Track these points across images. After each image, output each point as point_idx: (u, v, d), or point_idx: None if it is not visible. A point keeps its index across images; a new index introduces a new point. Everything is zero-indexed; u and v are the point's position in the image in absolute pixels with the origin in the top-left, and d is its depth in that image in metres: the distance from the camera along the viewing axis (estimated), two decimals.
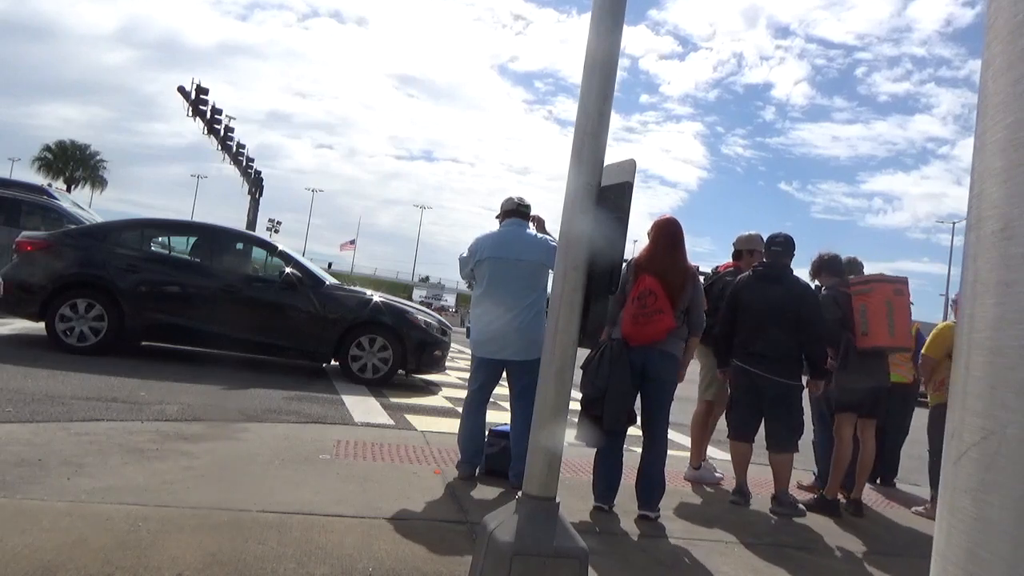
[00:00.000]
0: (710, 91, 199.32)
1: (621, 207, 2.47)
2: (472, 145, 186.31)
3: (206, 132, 31.57)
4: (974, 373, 0.76)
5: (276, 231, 51.38)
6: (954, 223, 50.44)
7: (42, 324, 7.32)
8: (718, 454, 5.82)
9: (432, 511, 3.59)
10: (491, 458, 4.42)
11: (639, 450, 4.15)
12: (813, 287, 4.92)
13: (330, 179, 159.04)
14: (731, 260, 5.46)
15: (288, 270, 8.01)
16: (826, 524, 4.44)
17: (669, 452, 4.20)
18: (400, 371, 8.11)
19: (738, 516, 4.34)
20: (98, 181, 60.11)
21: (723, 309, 4.75)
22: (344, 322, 7.95)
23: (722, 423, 5.19)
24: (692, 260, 4.21)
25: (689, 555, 3.48)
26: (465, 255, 4.49)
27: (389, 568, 2.72)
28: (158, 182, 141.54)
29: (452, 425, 5.21)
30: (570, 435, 3.32)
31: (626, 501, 4.00)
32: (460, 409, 4.66)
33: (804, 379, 4.66)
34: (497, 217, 4.55)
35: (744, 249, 5.31)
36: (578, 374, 3.21)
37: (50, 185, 20.11)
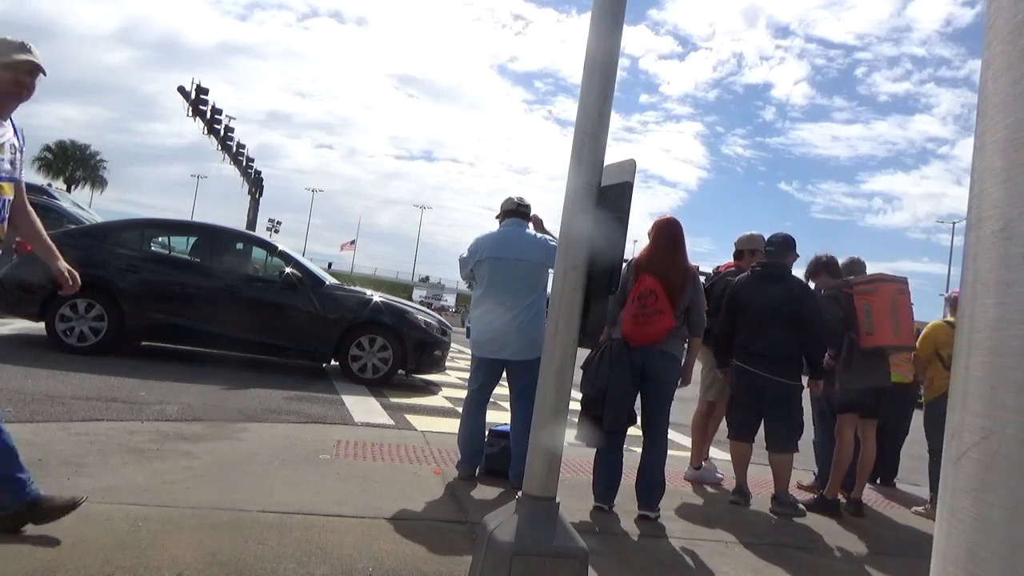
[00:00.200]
0: (710, 91, 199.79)
1: (621, 207, 2.47)
2: (472, 145, 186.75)
3: (206, 132, 31.59)
4: (974, 373, 0.76)
5: (276, 231, 51.42)
6: (954, 223, 50.50)
7: (42, 324, 7.32)
8: (718, 454, 5.81)
9: (432, 511, 3.59)
10: (491, 458, 4.42)
11: (639, 450, 4.15)
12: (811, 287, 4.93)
13: (330, 179, 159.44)
14: (732, 260, 5.46)
15: (288, 270, 8.01)
16: (826, 524, 4.44)
17: (669, 452, 4.20)
18: (400, 371, 8.11)
19: (738, 516, 4.34)
20: (98, 181, 60.27)
21: (723, 309, 4.75)
22: (344, 322, 7.95)
23: (722, 423, 5.19)
24: (692, 260, 4.21)
25: (689, 555, 3.48)
26: (465, 255, 4.49)
27: (389, 568, 2.72)
28: (158, 182, 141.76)
29: (452, 425, 5.21)
30: (570, 435, 3.32)
31: (626, 501, 4.00)
32: (460, 409, 4.66)
33: (804, 379, 4.66)
34: (497, 217, 4.55)
35: (745, 249, 5.32)
36: (578, 374, 3.21)
37: (50, 185, 20.13)
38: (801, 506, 4.63)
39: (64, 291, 2.87)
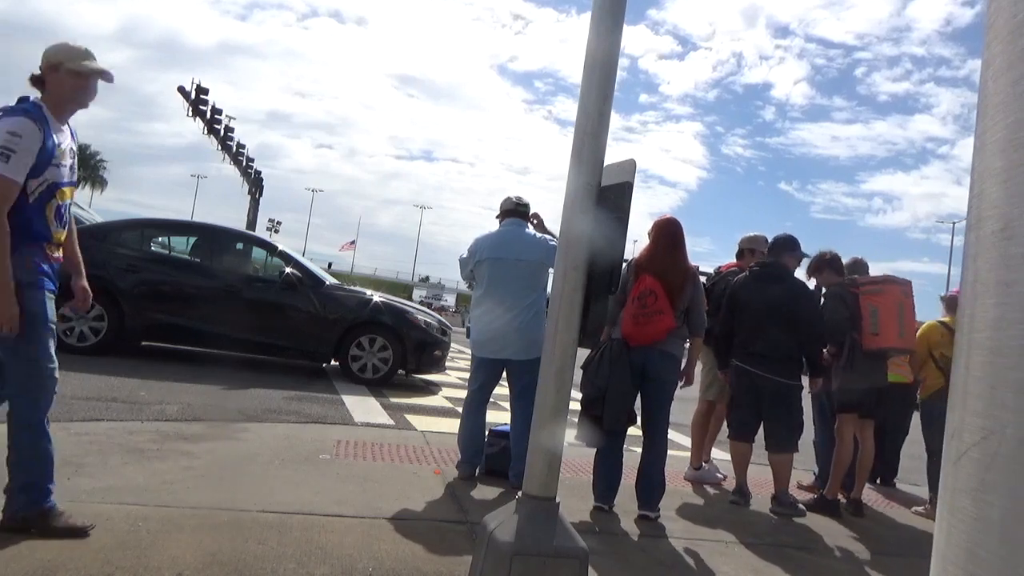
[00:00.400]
0: (710, 91, 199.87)
1: (621, 207, 2.47)
2: (472, 145, 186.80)
3: (206, 132, 31.59)
4: (974, 373, 0.76)
5: (276, 231, 51.40)
6: (954, 223, 50.45)
7: None
8: (718, 454, 5.81)
9: (432, 511, 3.59)
10: (491, 458, 4.42)
11: (639, 450, 4.15)
12: (811, 286, 4.93)
13: (330, 179, 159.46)
14: (734, 259, 5.47)
15: (288, 270, 8.02)
16: (826, 524, 4.43)
17: (669, 452, 4.20)
18: (400, 371, 8.11)
19: (738, 516, 4.34)
20: (98, 181, 60.17)
21: (722, 309, 4.75)
22: (344, 322, 7.96)
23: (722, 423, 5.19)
24: (692, 260, 4.22)
25: (689, 555, 3.48)
26: (465, 256, 4.49)
27: (389, 568, 2.72)
28: (158, 182, 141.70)
29: (452, 425, 5.21)
30: (570, 435, 3.32)
31: (626, 501, 4.00)
32: (460, 409, 4.66)
33: (804, 379, 4.66)
34: (497, 217, 4.55)
35: (746, 248, 5.33)
36: (578, 374, 3.21)
37: None
38: (801, 506, 4.63)
39: (75, 307, 2.92)
